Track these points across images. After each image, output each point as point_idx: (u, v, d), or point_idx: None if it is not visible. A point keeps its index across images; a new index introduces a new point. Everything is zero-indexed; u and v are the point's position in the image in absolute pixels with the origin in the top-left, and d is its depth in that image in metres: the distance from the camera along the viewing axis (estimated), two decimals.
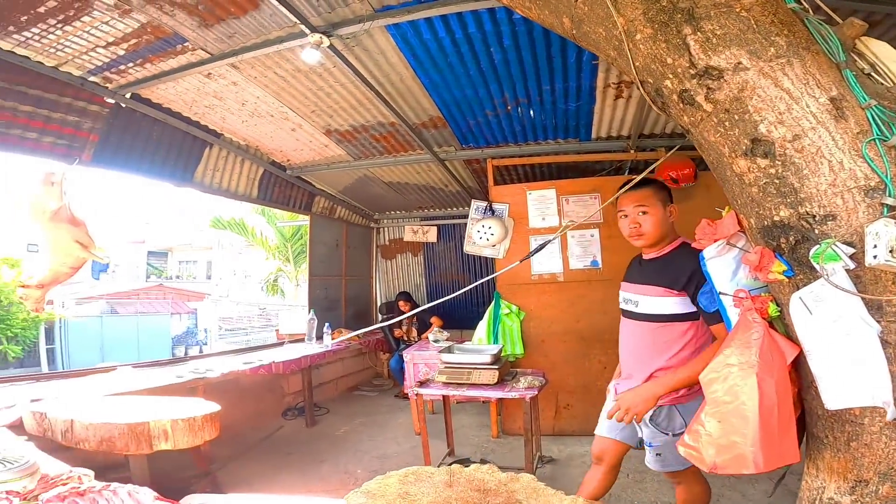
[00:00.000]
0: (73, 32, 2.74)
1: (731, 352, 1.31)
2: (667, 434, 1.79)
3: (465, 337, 5.56)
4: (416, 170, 5.32)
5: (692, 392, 1.75)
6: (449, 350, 3.43)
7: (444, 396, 3.35)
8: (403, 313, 6.00)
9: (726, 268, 1.50)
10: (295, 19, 2.62)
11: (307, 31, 2.72)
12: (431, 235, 6.81)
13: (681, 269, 1.74)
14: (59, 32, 2.73)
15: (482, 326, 4.23)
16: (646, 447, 1.90)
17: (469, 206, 6.39)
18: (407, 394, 4.04)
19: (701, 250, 1.59)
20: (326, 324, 5.18)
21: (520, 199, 4.37)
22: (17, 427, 1.98)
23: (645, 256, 1.95)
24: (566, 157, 4.51)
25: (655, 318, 1.80)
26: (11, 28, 2.65)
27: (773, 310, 1.32)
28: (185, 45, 2.98)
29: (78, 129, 3.37)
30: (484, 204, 4.50)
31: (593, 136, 4.26)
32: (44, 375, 3.16)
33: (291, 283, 13.01)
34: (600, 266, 4.19)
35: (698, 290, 1.67)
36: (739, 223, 1.41)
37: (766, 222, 1.24)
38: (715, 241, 1.50)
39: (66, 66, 3.10)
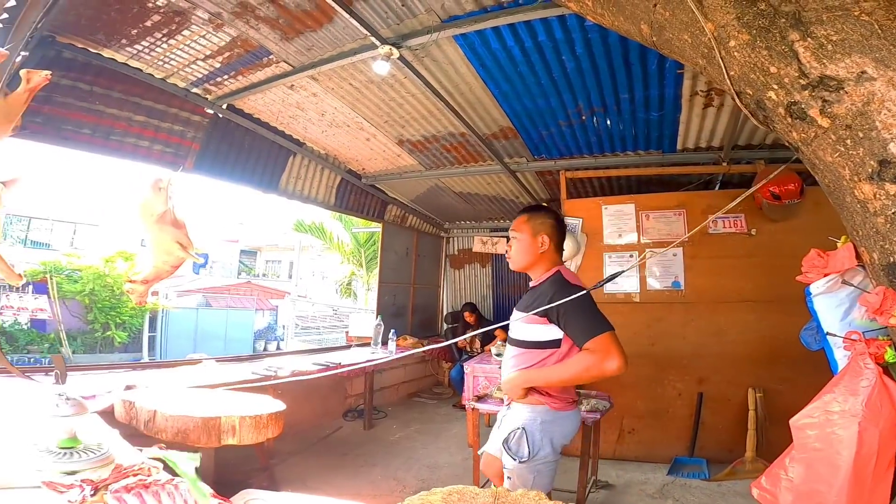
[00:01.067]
0: (176, 46, 3.03)
1: (832, 398, 1.18)
2: (515, 459, 1.82)
3: None
4: (487, 180, 5.28)
5: (558, 407, 1.84)
6: None
7: None
8: (468, 324, 5.99)
9: (837, 306, 1.31)
10: (365, 31, 2.71)
11: (377, 42, 2.80)
12: (500, 247, 6.70)
13: (543, 296, 1.80)
14: (164, 46, 3.03)
15: None
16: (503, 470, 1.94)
17: None
18: (465, 405, 3.98)
19: (575, 283, 1.80)
20: (392, 330, 5.26)
21: (594, 214, 4.16)
22: (109, 413, 2.18)
23: (530, 285, 2.01)
24: (647, 170, 4.22)
25: (519, 343, 1.89)
26: (125, 41, 2.97)
27: (890, 356, 1.16)
28: (270, 57, 3.19)
29: (183, 137, 3.70)
30: None
31: (679, 147, 3.96)
32: (139, 365, 3.49)
33: (363, 288, 13.48)
34: (682, 288, 3.89)
35: (558, 317, 1.74)
36: (858, 257, 1.21)
37: (892, 258, 1.04)
38: (825, 275, 1.31)
39: (172, 79, 3.43)
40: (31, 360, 11.58)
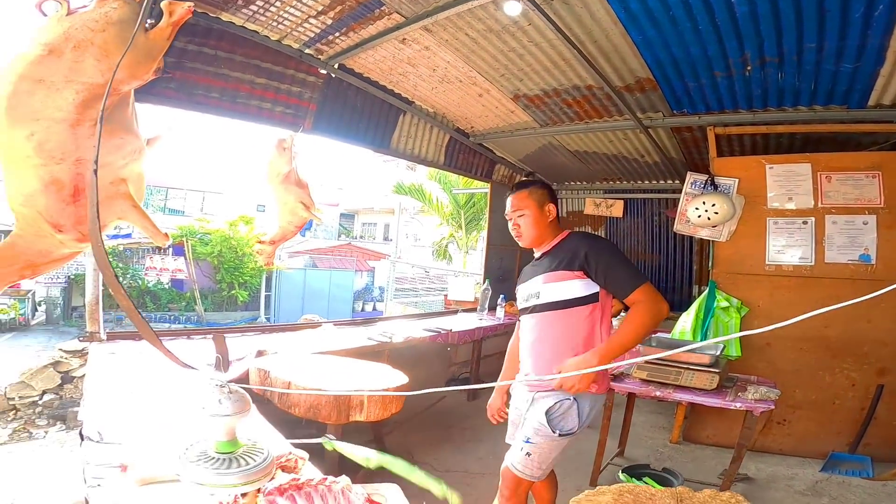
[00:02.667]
0: (288, 3, 2.90)
1: None
2: (553, 433, 1.76)
3: None
4: (610, 138, 4.72)
5: (603, 382, 1.88)
6: (651, 343, 2.96)
7: (630, 393, 2.97)
8: None
9: None
10: None
11: None
12: (616, 210, 6.10)
13: (575, 251, 1.82)
14: (277, 4, 2.92)
15: (687, 318, 3.61)
16: (521, 442, 1.84)
17: (667, 179, 5.59)
18: None
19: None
20: (501, 296, 5.03)
21: (754, 174, 3.52)
22: (244, 380, 2.19)
23: (537, 255, 2.01)
24: (826, 126, 3.45)
25: (560, 304, 1.83)
26: (240, 2, 2.89)
27: None
28: (382, 9, 2.95)
29: (300, 98, 3.68)
30: (703, 178, 3.73)
31: (870, 103, 3.20)
32: (267, 328, 3.61)
33: (461, 251, 13.39)
34: (873, 262, 3.21)
35: (597, 268, 1.76)
36: None
37: None
38: None
39: (286, 40, 3.36)
40: (172, 317, 13.25)
